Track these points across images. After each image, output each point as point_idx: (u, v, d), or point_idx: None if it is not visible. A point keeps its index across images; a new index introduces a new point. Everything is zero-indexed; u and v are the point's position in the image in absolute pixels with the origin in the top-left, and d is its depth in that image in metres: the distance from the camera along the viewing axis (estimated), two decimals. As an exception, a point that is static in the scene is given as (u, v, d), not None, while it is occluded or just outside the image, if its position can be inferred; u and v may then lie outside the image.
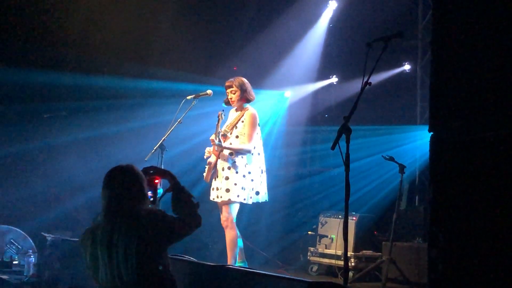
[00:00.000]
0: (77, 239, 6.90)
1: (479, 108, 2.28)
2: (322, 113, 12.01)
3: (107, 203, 3.63)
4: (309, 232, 8.89)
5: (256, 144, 6.28)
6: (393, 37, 4.40)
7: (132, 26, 9.61)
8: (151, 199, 3.93)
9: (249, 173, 6.18)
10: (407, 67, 10.67)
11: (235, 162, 6.15)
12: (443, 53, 2.46)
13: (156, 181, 3.95)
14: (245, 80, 6.41)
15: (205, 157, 6.36)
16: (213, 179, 6.31)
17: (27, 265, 6.79)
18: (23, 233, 7.24)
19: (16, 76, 8.54)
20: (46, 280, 6.56)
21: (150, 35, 9.98)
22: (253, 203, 6.29)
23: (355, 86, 10.35)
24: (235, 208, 6.16)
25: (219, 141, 6.07)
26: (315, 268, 8.44)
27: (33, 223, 8.06)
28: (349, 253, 7.79)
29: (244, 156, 6.19)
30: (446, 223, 2.32)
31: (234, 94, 6.32)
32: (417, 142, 9.82)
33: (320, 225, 8.64)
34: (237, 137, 6.24)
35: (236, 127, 6.27)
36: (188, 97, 6.47)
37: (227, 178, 6.11)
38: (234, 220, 6.18)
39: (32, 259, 6.84)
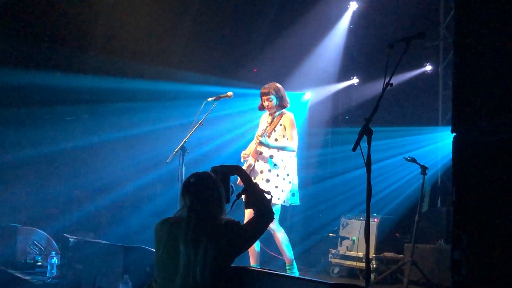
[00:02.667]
0: (100, 240, 6.97)
1: (504, 109, 2.25)
2: (343, 115, 11.96)
3: (187, 211, 3.67)
4: (330, 234, 8.87)
5: (297, 145, 6.33)
6: (415, 38, 4.36)
7: (154, 29, 9.68)
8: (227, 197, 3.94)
9: (288, 175, 6.23)
10: (428, 68, 10.59)
11: (276, 164, 6.19)
12: (467, 53, 2.44)
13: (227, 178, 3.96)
14: (279, 86, 6.44)
15: (242, 160, 6.37)
16: None
17: (50, 267, 6.83)
18: (46, 234, 7.31)
19: (39, 79, 8.64)
20: (69, 281, 6.60)
21: (171, 38, 10.04)
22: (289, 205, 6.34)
23: (376, 87, 10.31)
24: (278, 211, 6.19)
25: (265, 139, 6.14)
26: (336, 270, 8.41)
27: (56, 225, 8.15)
28: (371, 255, 7.74)
29: (285, 159, 6.24)
30: (469, 226, 2.30)
31: (270, 102, 6.34)
32: (439, 144, 9.74)
33: (341, 227, 8.60)
34: (275, 140, 6.27)
35: (275, 131, 6.30)
36: (209, 99, 6.49)
37: (267, 181, 6.13)
38: (277, 222, 6.22)
39: (55, 260, 6.88)
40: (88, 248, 6.63)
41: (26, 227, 7.37)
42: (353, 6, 10.87)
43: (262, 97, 6.40)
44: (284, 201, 6.18)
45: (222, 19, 10.54)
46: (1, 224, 7.29)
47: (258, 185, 4.00)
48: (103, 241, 6.95)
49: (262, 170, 6.22)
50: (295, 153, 6.37)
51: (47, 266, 6.88)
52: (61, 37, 9.13)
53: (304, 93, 11.04)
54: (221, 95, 6.51)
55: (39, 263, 7.15)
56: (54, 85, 8.70)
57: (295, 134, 6.29)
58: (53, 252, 7.05)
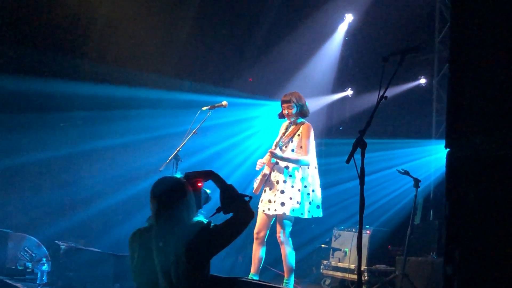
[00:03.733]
0: (91, 248, 6.95)
1: (499, 125, 2.26)
2: (337, 126, 11.99)
3: (155, 215, 3.66)
4: (322, 245, 8.88)
5: (313, 158, 6.28)
6: (410, 52, 4.38)
7: (149, 37, 9.69)
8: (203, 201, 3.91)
9: (305, 187, 6.14)
10: (422, 81, 10.64)
11: (291, 175, 6.13)
12: (461, 68, 2.45)
13: (199, 184, 3.91)
14: (301, 95, 6.39)
15: (257, 168, 6.33)
16: (263, 191, 6.28)
17: (40, 273, 6.80)
18: (37, 241, 7.27)
19: (33, 85, 8.62)
20: (59, 288, 6.59)
21: (167, 46, 10.05)
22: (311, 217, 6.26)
23: (370, 99, 10.35)
24: (289, 225, 6.15)
25: (279, 151, 6.11)
26: (328, 281, 8.41)
27: (47, 231, 8.10)
28: (363, 267, 7.75)
29: (300, 170, 6.16)
30: (462, 241, 2.31)
31: (291, 109, 6.30)
32: (432, 156, 9.78)
33: (333, 238, 8.61)
34: (292, 150, 6.23)
35: (292, 141, 6.25)
36: (204, 108, 6.50)
37: (282, 192, 6.08)
38: (288, 235, 6.17)
39: (46, 267, 6.85)
40: (79, 256, 6.62)
41: (17, 233, 7.33)
42: (348, 18, 10.93)
43: (283, 105, 6.35)
44: (301, 214, 6.07)
45: (218, 28, 10.57)
46: (-9, 229, 7.25)
47: (233, 187, 3.92)
48: (94, 249, 6.94)
49: (278, 181, 6.15)
50: (315, 165, 6.31)
51: (37, 273, 6.85)
52: (56, 43, 9.13)
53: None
54: (216, 104, 6.53)
55: (30, 270, 7.11)
56: (48, 91, 8.69)
57: (311, 146, 6.20)
58: (44, 259, 7.02)
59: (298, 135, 6.25)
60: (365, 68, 11.22)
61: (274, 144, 6.27)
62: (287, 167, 6.16)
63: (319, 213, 6.29)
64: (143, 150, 9.30)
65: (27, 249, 7.14)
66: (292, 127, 6.36)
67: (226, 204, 3.83)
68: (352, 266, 7.99)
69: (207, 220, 3.75)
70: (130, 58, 9.59)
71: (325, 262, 8.49)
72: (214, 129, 8.96)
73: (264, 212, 6.21)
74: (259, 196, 6.33)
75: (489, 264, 2.22)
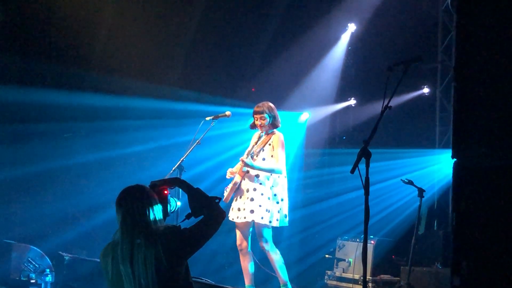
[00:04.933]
0: (95, 259, 6.93)
1: (505, 135, 2.26)
2: (340, 135, 11.98)
3: (121, 222, 3.67)
4: (327, 256, 8.85)
5: (284, 167, 6.31)
6: (414, 61, 4.38)
7: (152, 48, 9.71)
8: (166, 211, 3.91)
9: (275, 195, 6.18)
10: (426, 90, 10.62)
11: (261, 183, 6.16)
12: (467, 78, 2.44)
13: (165, 192, 3.93)
14: (272, 105, 6.44)
15: (227, 177, 6.37)
16: (234, 200, 6.32)
17: (44, 284, 6.80)
18: (40, 251, 7.26)
19: (37, 95, 8.63)
20: (63, 299, 6.57)
21: (170, 57, 10.06)
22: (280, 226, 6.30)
23: (373, 108, 10.34)
24: (269, 232, 6.18)
25: (250, 160, 6.12)
26: (332, 292, 8.38)
27: (51, 242, 8.09)
28: (367, 277, 7.71)
29: (271, 178, 6.21)
30: (469, 252, 2.29)
31: (263, 120, 6.33)
32: (436, 166, 9.76)
33: (337, 249, 8.59)
34: (263, 159, 6.25)
35: (263, 150, 6.28)
36: (207, 118, 6.50)
37: (252, 200, 6.11)
38: (271, 243, 6.19)
39: (50, 278, 6.85)
40: (82, 266, 6.60)
41: (21, 244, 7.31)
42: (351, 28, 10.95)
43: (255, 116, 6.39)
44: (270, 221, 6.10)
45: (220, 38, 10.59)
46: (-5, 240, 7.24)
47: (201, 190, 3.92)
48: (98, 260, 6.92)
49: (248, 189, 6.21)
50: (284, 174, 6.35)
51: (41, 284, 6.84)
52: (59, 54, 9.15)
53: (302, 113, 11.06)
54: (219, 115, 6.53)
55: (33, 281, 7.09)
56: (52, 102, 8.70)
57: (282, 155, 6.26)
58: (48, 270, 7.01)
59: (270, 144, 6.30)
60: (368, 77, 11.22)
61: (246, 153, 6.32)
62: (257, 176, 6.21)
63: (286, 223, 6.32)
64: (147, 160, 9.30)
65: (30, 260, 7.13)
66: (263, 137, 6.39)
67: (195, 207, 3.85)
68: (357, 277, 7.96)
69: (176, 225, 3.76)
70: (134, 68, 9.61)
71: (329, 272, 8.46)
72: (218, 139, 8.96)
73: (234, 221, 6.26)
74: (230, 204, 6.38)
75: (496, 275, 2.21)
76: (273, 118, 6.37)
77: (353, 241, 8.37)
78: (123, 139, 9.35)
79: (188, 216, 3.88)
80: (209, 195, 3.92)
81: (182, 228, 3.73)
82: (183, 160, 6.30)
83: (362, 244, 4.27)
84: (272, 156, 6.25)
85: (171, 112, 9.67)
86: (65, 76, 9.07)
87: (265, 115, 6.32)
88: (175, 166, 6.27)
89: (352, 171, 4.13)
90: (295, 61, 10.75)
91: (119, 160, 9.21)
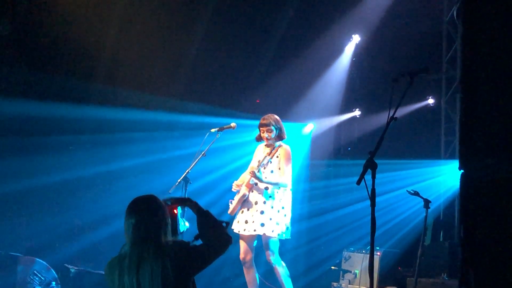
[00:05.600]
0: (100, 271, 6.92)
1: (512, 146, 2.26)
2: (345, 146, 11.97)
3: (132, 232, 3.64)
4: (332, 267, 8.82)
5: (290, 180, 6.33)
6: (420, 72, 4.39)
7: (157, 59, 9.74)
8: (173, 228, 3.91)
9: (283, 208, 6.22)
10: (431, 101, 10.61)
11: (270, 196, 6.19)
12: (473, 89, 2.45)
13: (175, 210, 3.94)
14: (278, 118, 6.49)
15: (233, 190, 6.38)
16: (240, 212, 6.31)
17: (50, 297, 6.79)
18: (46, 264, 7.25)
19: (41, 108, 8.65)
20: (69, 312, 6.56)
21: (174, 68, 10.09)
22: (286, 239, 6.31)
23: (378, 119, 10.34)
24: (276, 244, 6.20)
25: (259, 172, 6.15)
26: (338, 303, 8.35)
27: (56, 255, 8.09)
28: (373, 289, 7.68)
29: (280, 191, 6.24)
30: (478, 263, 2.29)
31: (270, 132, 6.35)
32: (441, 177, 9.75)
33: (343, 260, 8.57)
34: (272, 171, 6.27)
35: (271, 162, 6.30)
36: (212, 130, 6.52)
37: (262, 213, 6.12)
38: (277, 256, 6.21)
39: (55, 290, 6.84)
40: (88, 279, 6.60)
41: (27, 257, 7.31)
42: (355, 39, 10.96)
43: (261, 128, 6.41)
44: (278, 234, 6.14)
45: (225, 50, 10.61)
46: (1, 253, 7.24)
47: (210, 213, 3.93)
48: (104, 272, 6.91)
49: (256, 201, 6.22)
50: (290, 187, 6.35)
51: (47, 297, 6.83)
52: (64, 66, 9.18)
53: (306, 124, 11.06)
54: (225, 126, 6.55)
55: (39, 294, 7.10)
56: (56, 114, 8.72)
57: (288, 169, 6.31)
58: (53, 282, 7.01)
59: (277, 156, 6.34)
60: (373, 88, 11.23)
61: (256, 165, 6.30)
62: (267, 188, 6.25)
63: (289, 235, 6.34)
64: (152, 172, 9.30)
65: (36, 273, 7.13)
66: (270, 149, 6.42)
67: (202, 230, 3.85)
68: (363, 288, 7.93)
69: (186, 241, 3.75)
70: (139, 81, 9.64)
71: (335, 284, 8.44)
72: (223, 151, 8.97)
73: (240, 233, 6.24)
74: (235, 217, 6.37)
75: (504, 287, 2.20)
76: (279, 130, 6.39)
77: (359, 253, 8.35)
78: (128, 151, 9.36)
79: (196, 237, 3.90)
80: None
81: (192, 245, 3.72)
82: (188, 172, 6.30)
83: (368, 255, 4.27)
84: (279, 168, 6.26)
85: (176, 124, 9.69)
86: (70, 88, 9.10)
87: (272, 127, 6.35)
88: (181, 178, 6.27)
89: (358, 182, 4.13)
90: (299, 72, 10.76)
91: (124, 173, 9.21)
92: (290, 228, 6.31)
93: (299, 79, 10.93)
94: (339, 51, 11.13)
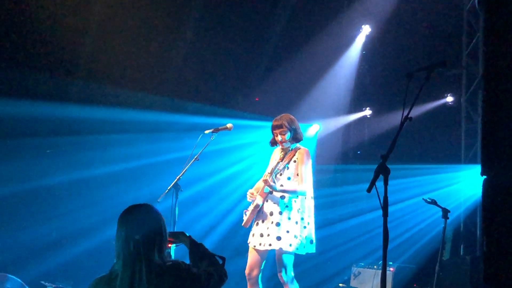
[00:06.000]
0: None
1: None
2: (354, 150, 11.97)
3: (120, 247, 3.59)
4: (340, 285, 8.81)
5: (310, 187, 6.29)
6: (437, 67, 4.37)
7: (144, 54, 9.73)
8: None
9: (302, 219, 6.14)
10: (449, 99, 10.60)
11: (287, 206, 6.13)
12: (497, 85, 2.44)
13: (169, 245, 3.90)
14: (293, 117, 6.42)
15: (248, 199, 6.35)
16: (255, 224, 6.27)
17: (24, 317, 6.77)
18: (20, 281, 7.22)
19: (13, 108, 8.61)
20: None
21: (164, 64, 10.08)
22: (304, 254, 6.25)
23: (391, 119, 10.34)
24: (291, 260, 6.13)
25: (273, 182, 6.09)
26: (347, 325, 8.35)
27: (32, 271, 8.08)
28: (386, 309, 7.67)
29: (298, 200, 6.18)
30: (502, 280, 2.28)
31: (284, 135, 6.32)
32: (461, 184, 9.75)
33: (352, 277, 8.57)
34: (289, 178, 6.23)
35: (288, 168, 6.26)
36: (206, 131, 6.49)
37: (278, 225, 6.07)
38: (292, 273, 6.14)
39: (30, 310, 6.82)
40: (68, 298, 6.58)
41: (-1, 273, 7.30)
42: (365, 30, 10.97)
43: (274, 131, 6.37)
44: (297, 249, 6.05)
45: (220, 43, 10.60)
46: (-33, 269, 7.24)
47: (204, 247, 3.88)
48: (85, 290, 6.90)
49: (272, 212, 6.15)
50: (311, 195, 6.31)
51: (20, 317, 6.81)
52: (41, 62, 9.15)
53: (311, 125, 11.06)
54: (220, 127, 6.53)
55: (12, 314, 7.08)
56: (33, 115, 8.69)
57: (307, 174, 6.22)
58: (28, 302, 6.98)
59: (294, 161, 6.27)
60: (385, 85, 11.24)
61: (269, 172, 6.26)
62: (283, 197, 6.17)
63: (313, 249, 6.27)
64: (139, 178, 9.29)
65: (9, 291, 7.11)
66: (287, 154, 6.36)
67: (195, 264, 3.81)
68: (374, 308, 7.92)
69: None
70: (124, 77, 9.63)
71: (343, 303, 8.43)
72: (218, 155, 8.96)
73: (255, 248, 6.20)
74: (249, 229, 6.34)
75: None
76: (294, 132, 6.34)
77: (370, 268, 8.35)
78: (111, 155, 9.35)
79: None
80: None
81: (192, 268, 3.67)
82: (179, 178, 6.28)
83: (380, 271, 4.26)
84: (297, 174, 6.23)
85: (166, 125, 9.68)
86: (47, 85, 9.07)
87: (285, 129, 6.31)
88: (171, 185, 6.25)
89: (369, 190, 4.11)
90: (303, 67, 10.76)
91: (107, 179, 9.18)
92: (314, 241, 6.23)
93: (302, 75, 10.93)
94: (347, 43, 11.14)
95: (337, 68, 11.11)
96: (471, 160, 10.05)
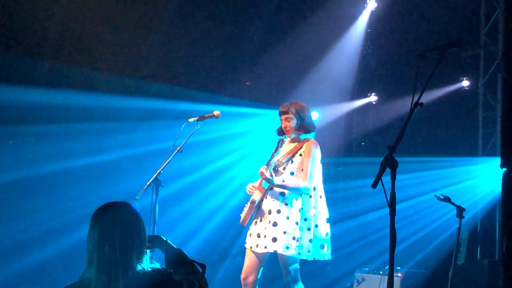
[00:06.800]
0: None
1: None
2: (358, 141, 12.00)
3: (94, 251, 3.58)
4: (342, 292, 8.87)
5: (317, 185, 6.27)
6: (451, 47, 4.38)
7: (120, 31, 9.69)
8: None
9: (305, 220, 6.10)
10: (465, 83, 10.63)
11: (287, 204, 6.11)
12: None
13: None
14: (304, 105, 6.40)
15: (248, 192, 6.34)
16: (253, 223, 6.28)
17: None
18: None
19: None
20: None
21: (143, 43, 10.06)
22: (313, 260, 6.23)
23: (399, 106, 10.38)
24: (294, 262, 6.08)
25: (271, 175, 6.07)
26: (349, 337, 8.41)
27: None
28: (393, 320, 7.72)
29: (299, 199, 6.15)
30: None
31: (288, 122, 6.32)
32: (479, 178, 9.79)
33: (355, 283, 8.61)
34: (291, 173, 6.22)
35: (292, 161, 6.24)
36: (190, 119, 6.49)
37: (275, 224, 6.06)
38: (297, 278, 6.14)
39: (-8, 322, 6.83)
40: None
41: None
42: (371, 5, 10.97)
43: (281, 117, 6.39)
44: (299, 253, 6.00)
45: (206, 19, 10.58)
46: None
47: (182, 252, 3.87)
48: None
49: (270, 210, 6.14)
50: (321, 193, 6.29)
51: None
52: (3, 40, 9.11)
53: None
54: (206, 115, 6.52)
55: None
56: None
57: (313, 170, 6.17)
58: (-11, 313, 7.00)
59: (300, 154, 6.25)
60: (393, 67, 11.25)
61: (268, 164, 6.24)
62: (283, 193, 6.14)
63: (324, 256, 6.20)
64: (115, 173, 9.28)
65: (-33, 300, 7.13)
66: (293, 145, 6.37)
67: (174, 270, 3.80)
68: (380, 319, 7.97)
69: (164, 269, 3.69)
70: (99, 57, 9.59)
71: (345, 313, 8.49)
72: (204, 146, 8.96)
73: (252, 250, 6.20)
74: (247, 228, 6.36)
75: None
76: (302, 120, 6.31)
77: (375, 274, 8.38)
78: (82, 146, 9.32)
79: None
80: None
81: (173, 276, 3.65)
82: (160, 172, 6.28)
83: (386, 277, 4.28)
84: (302, 170, 6.20)
85: (145, 112, 9.66)
86: (10, 67, 9.04)
87: (291, 115, 6.31)
88: (151, 180, 6.24)
89: (374, 185, 4.13)
90: (300, 47, 10.76)
91: (79, 173, 9.17)
92: (324, 245, 6.17)
93: (300, 56, 10.92)
94: (350, 20, 11.13)
95: (338, 49, 11.11)
96: (489, 152, 10.08)
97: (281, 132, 6.48)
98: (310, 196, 6.17)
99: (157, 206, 6.18)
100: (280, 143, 6.46)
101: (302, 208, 6.11)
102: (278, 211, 6.08)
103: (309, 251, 6.06)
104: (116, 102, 9.40)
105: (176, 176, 8.13)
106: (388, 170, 4.16)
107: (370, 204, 10.03)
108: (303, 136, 6.39)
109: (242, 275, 6.26)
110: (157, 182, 6.25)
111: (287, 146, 6.42)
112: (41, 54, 9.34)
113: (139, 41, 10.00)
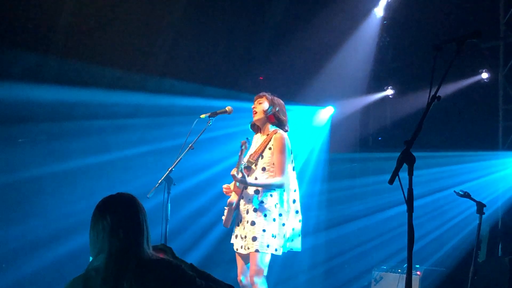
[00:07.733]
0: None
1: None
2: (374, 135, 11.98)
3: (106, 240, 3.58)
4: (360, 292, 8.87)
5: (289, 177, 6.27)
6: (469, 38, 4.36)
7: (131, 26, 9.70)
8: None
9: (280, 215, 6.13)
10: (485, 75, 10.57)
11: (262, 202, 6.11)
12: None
13: None
14: (283, 102, 6.44)
15: (224, 192, 6.37)
16: (236, 225, 6.30)
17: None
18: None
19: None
20: None
21: (153, 38, 10.06)
22: (284, 252, 6.26)
23: (416, 99, 10.34)
24: (266, 259, 6.09)
25: (243, 176, 6.05)
26: (367, 337, 8.41)
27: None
28: (412, 319, 7.71)
29: (275, 194, 6.15)
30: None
31: (260, 104, 6.32)
32: (500, 173, 9.74)
33: (373, 282, 8.61)
34: (263, 169, 6.21)
35: (262, 157, 6.22)
36: (202, 116, 6.49)
37: (253, 224, 6.07)
38: (265, 275, 6.13)
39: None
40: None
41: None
42: (387, -4, 10.94)
43: (254, 102, 6.41)
44: (276, 250, 6.06)
45: (217, 13, 10.58)
46: None
47: (192, 265, 3.88)
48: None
49: (247, 209, 6.16)
50: (295, 187, 6.31)
51: None
52: (12, 36, 9.12)
53: (324, 107, 11.06)
54: (218, 111, 6.53)
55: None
56: (1, 98, 8.64)
57: (285, 162, 6.17)
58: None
59: (270, 148, 6.23)
60: (409, 60, 11.21)
61: (237, 165, 6.21)
62: (257, 192, 6.15)
63: (297, 247, 6.28)
64: (125, 172, 9.29)
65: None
66: (262, 139, 6.36)
67: None
68: (399, 318, 7.97)
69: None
70: (107, 53, 9.60)
71: (363, 313, 8.49)
72: (216, 143, 8.97)
73: (239, 251, 6.24)
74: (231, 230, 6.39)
75: None
76: (273, 108, 6.31)
77: (393, 273, 8.37)
78: (93, 144, 9.33)
79: None
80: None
81: (182, 267, 3.65)
82: (172, 170, 6.29)
83: (405, 276, 4.27)
84: (273, 164, 6.20)
85: (155, 109, 9.67)
86: (18, 63, 9.03)
87: (265, 99, 6.32)
88: (162, 178, 6.26)
89: (391, 181, 4.12)
90: (315, 40, 10.75)
91: (87, 172, 9.17)
92: (297, 235, 6.22)
93: (314, 50, 10.91)
94: (366, 12, 11.10)
95: (354, 41, 11.08)
96: (510, 146, 10.04)
97: (253, 125, 6.51)
98: (284, 190, 6.18)
99: (169, 204, 6.20)
100: (244, 145, 6.29)
101: (277, 203, 6.14)
102: (255, 210, 6.10)
103: (281, 246, 6.12)
104: (126, 98, 9.41)
105: (188, 174, 8.15)
106: (405, 166, 4.15)
107: (387, 201, 10.00)
108: (272, 127, 6.37)
109: (238, 277, 6.33)
110: (169, 180, 6.27)
111: (258, 140, 6.44)
112: (49, 49, 9.35)
113: (148, 34, 10.00)
